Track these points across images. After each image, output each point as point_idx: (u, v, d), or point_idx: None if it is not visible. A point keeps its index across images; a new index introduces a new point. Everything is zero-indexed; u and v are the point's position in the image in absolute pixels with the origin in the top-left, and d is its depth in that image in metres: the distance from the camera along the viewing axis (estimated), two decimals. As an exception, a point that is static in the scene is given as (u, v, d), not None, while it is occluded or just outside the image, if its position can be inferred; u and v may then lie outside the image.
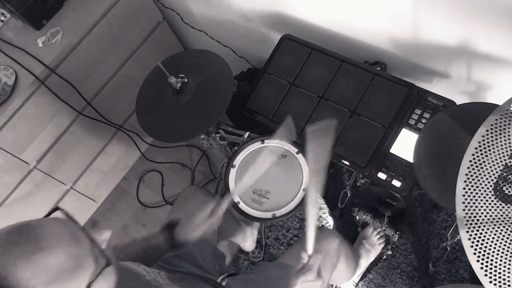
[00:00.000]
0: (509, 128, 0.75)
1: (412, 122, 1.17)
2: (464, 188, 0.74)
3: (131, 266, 0.83)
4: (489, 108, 0.78)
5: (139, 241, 0.96)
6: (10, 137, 1.48)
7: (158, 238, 0.96)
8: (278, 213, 1.15)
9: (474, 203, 0.72)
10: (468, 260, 0.69)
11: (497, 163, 0.74)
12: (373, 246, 1.57)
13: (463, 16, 0.97)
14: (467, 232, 0.71)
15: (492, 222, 0.70)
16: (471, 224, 0.71)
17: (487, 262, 0.69)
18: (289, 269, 1.10)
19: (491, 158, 0.74)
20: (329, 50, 1.30)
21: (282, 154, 1.23)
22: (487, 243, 0.69)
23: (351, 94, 1.23)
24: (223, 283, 1.09)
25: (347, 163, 1.19)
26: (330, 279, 1.19)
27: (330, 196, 1.76)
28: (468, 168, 0.75)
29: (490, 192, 0.72)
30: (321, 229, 1.71)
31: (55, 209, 0.60)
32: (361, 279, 1.60)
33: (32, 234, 0.53)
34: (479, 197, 0.73)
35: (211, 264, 1.17)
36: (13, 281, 0.50)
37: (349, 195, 1.44)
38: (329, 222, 1.73)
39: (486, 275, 0.68)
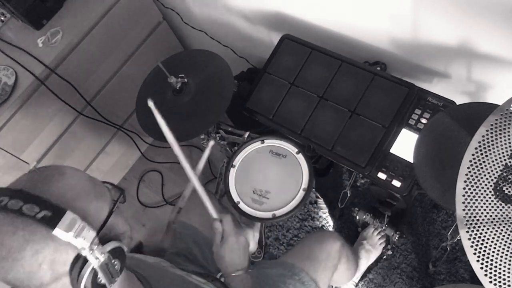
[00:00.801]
0: (509, 128, 0.75)
1: (412, 122, 1.17)
2: (464, 188, 0.74)
3: (133, 255, 0.86)
4: (489, 108, 0.78)
5: None
6: (10, 137, 1.48)
7: None
8: (278, 213, 1.15)
9: (474, 203, 0.72)
10: (468, 260, 0.69)
11: (497, 163, 0.74)
12: (374, 246, 1.57)
13: (463, 16, 0.97)
14: (467, 232, 0.71)
15: (492, 222, 0.70)
16: (471, 224, 0.71)
17: (487, 262, 0.69)
18: (289, 267, 1.10)
19: (491, 158, 0.74)
20: (329, 50, 1.30)
21: (282, 154, 1.23)
22: (487, 243, 0.69)
23: (351, 94, 1.23)
24: (222, 280, 1.09)
25: (347, 163, 1.19)
26: (331, 281, 1.19)
27: (330, 196, 1.76)
28: (468, 168, 0.74)
29: (490, 192, 0.72)
30: (321, 230, 1.72)
31: None
32: (361, 279, 1.60)
33: (51, 166, 0.63)
34: (479, 197, 0.72)
35: (212, 262, 1.17)
36: (51, 198, 0.56)
37: (349, 195, 1.44)
38: (329, 222, 1.73)
39: (486, 275, 0.68)
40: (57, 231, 0.53)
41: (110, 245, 0.60)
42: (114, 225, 0.64)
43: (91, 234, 0.57)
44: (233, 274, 0.90)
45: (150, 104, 0.90)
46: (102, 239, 0.59)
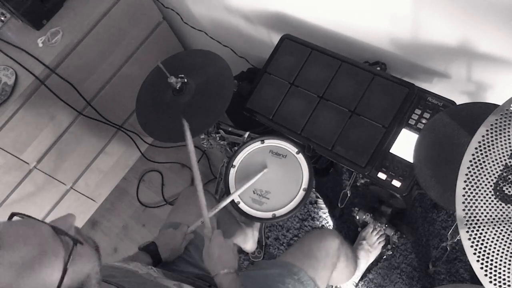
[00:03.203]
0: (509, 128, 0.75)
1: (412, 122, 1.17)
2: (464, 188, 0.74)
3: (122, 265, 0.84)
4: (489, 108, 0.78)
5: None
6: (10, 137, 1.48)
7: (142, 259, 1.01)
8: (278, 213, 1.15)
9: (474, 203, 0.72)
10: (468, 260, 0.69)
11: (497, 163, 0.74)
12: (373, 246, 1.57)
13: (463, 16, 0.97)
14: (467, 232, 0.71)
15: (492, 222, 0.70)
16: (471, 224, 0.71)
17: (487, 262, 0.69)
18: (288, 266, 1.10)
19: (491, 158, 0.74)
20: (329, 50, 1.30)
21: (282, 154, 1.23)
22: (487, 243, 0.70)
23: (351, 94, 1.23)
24: None
25: (347, 163, 1.19)
26: (330, 279, 1.19)
27: (330, 196, 1.76)
28: (468, 168, 0.75)
29: (490, 192, 0.72)
30: (320, 228, 1.72)
31: (11, 216, 0.61)
32: (361, 279, 1.60)
33: None
34: (479, 197, 0.73)
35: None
36: None
37: (349, 195, 1.44)
38: (329, 222, 1.73)
39: (486, 275, 0.68)
40: None
41: None
42: (76, 274, 0.57)
43: None
44: (222, 272, 0.91)
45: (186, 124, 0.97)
46: None
